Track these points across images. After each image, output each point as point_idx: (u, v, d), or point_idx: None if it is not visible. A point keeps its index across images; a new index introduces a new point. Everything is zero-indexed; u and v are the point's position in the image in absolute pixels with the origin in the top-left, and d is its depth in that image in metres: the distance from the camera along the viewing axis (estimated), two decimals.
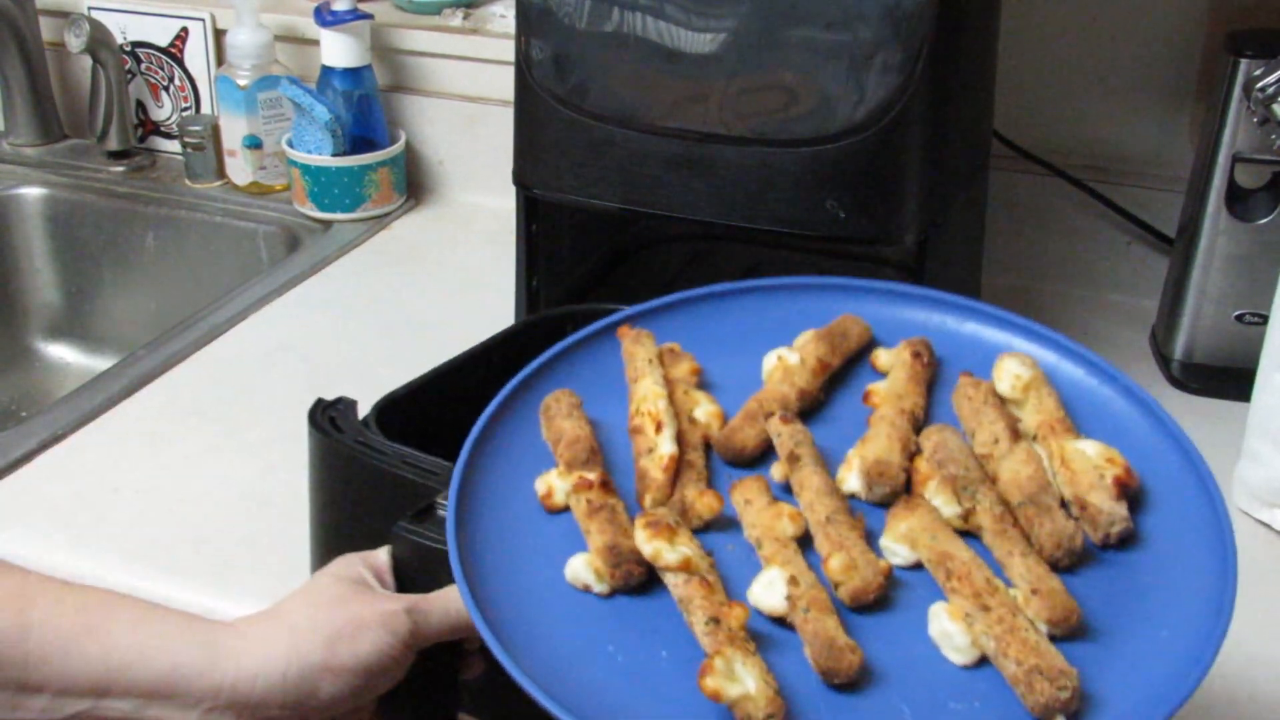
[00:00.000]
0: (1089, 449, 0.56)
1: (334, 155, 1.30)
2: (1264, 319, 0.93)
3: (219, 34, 1.43)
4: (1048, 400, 0.59)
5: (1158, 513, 0.55)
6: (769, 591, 0.52)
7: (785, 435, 0.58)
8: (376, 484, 0.70)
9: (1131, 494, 0.55)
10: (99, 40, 1.38)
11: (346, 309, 1.18)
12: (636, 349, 0.62)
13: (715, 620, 0.50)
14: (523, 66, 0.90)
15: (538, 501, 0.58)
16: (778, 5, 0.82)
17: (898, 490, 0.56)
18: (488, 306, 1.14)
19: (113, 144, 1.45)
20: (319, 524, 0.76)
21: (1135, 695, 0.48)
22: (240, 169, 1.39)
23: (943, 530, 0.53)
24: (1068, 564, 0.53)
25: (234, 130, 1.37)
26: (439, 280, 1.24)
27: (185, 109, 1.48)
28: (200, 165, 1.42)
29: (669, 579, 0.53)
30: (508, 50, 0.96)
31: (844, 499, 0.56)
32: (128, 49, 1.47)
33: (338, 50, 1.30)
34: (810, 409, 0.61)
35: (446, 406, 0.81)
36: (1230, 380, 1.03)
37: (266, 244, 1.36)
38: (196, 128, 1.40)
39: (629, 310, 0.65)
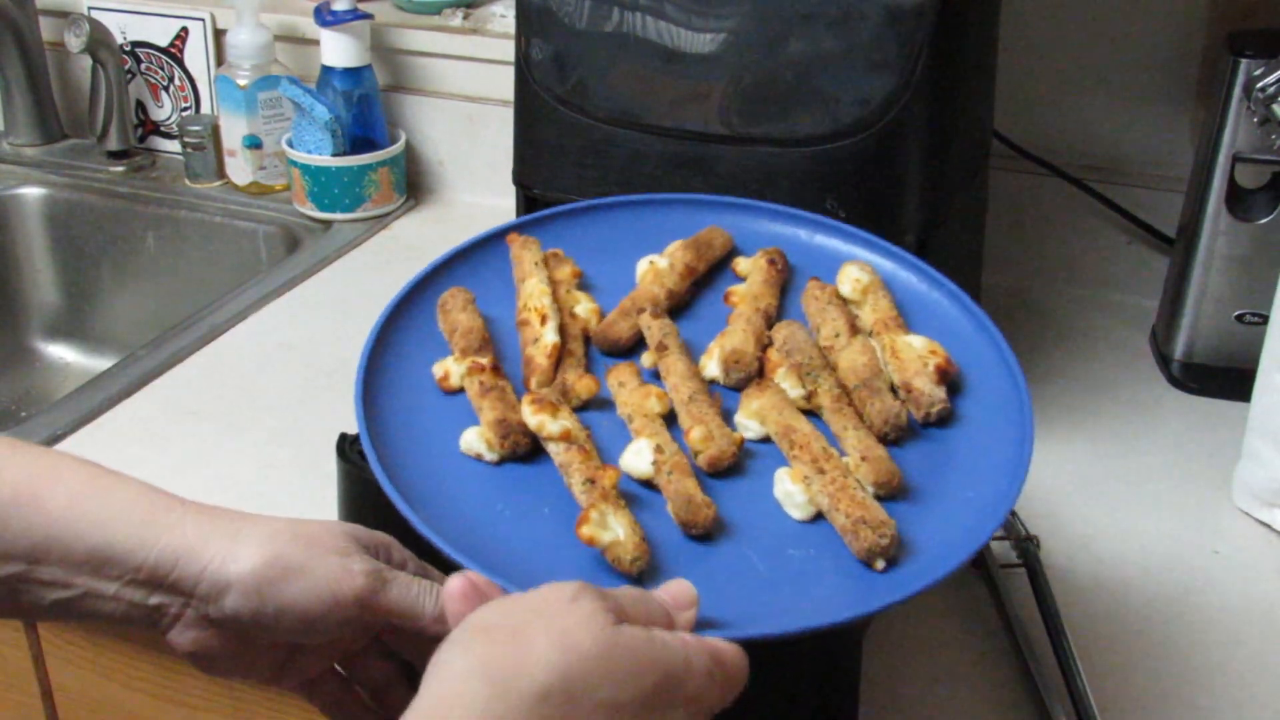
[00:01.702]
0: (916, 342, 0.65)
1: (334, 155, 1.30)
2: (1264, 319, 0.93)
3: (219, 34, 1.43)
4: (883, 301, 0.68)
5: (972, 396, 0.65)
6: (638, 458, 0.61)
7: (655, 328, 0.66)
8: None
9: (951, 380, 0.65)
10: (99, 40, 1.38)
11: (346, 309, 1.18)
12: (524, 253, 0.70)
13: (591, 481, 0.58)
14: (523, 66, 0.90)
15: (435, 385, 0.65)
16: (778, 5, 0.82)
17: (751, 376, 0.66)
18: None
19: (113, 144, 1.45)
20: None
21: (942, 542, 0.57)
22: (240, 169, 1.39)
23: (788, 408, 0.62)
24: (894, 438, 0.63)
25: (234, 130, 1.37)
26: None
27: (185, 109, 1.48)
28: (200, 165, 1.42)
29: (551, 448, 0.61)
30: (508, 50, 0.96)
31: (705, 383, 0.65)
32: (128, 49, 1.47)
33: (338, 50, 1.30)
34: (678, 308, 0.71)
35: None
36: (1230, 380, 1.03)
37: (266, 244, 1.36)
38: (196, 128, 1.40)
39: (517, 220, 0.73)
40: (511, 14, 1.13)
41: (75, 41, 1.37)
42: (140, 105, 1.50)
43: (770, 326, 0.68)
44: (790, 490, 0.59)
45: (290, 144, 1.33)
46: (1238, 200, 1.01)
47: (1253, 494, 0.90)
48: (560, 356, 0.65)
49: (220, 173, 1.42)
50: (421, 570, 0.63)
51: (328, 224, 1.33)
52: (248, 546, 0.59)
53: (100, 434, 0.99)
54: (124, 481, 0.61)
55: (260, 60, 1.35)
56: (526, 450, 0.61)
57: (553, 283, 0.69)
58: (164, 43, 1.46)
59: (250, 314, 1.17)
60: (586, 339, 0.68)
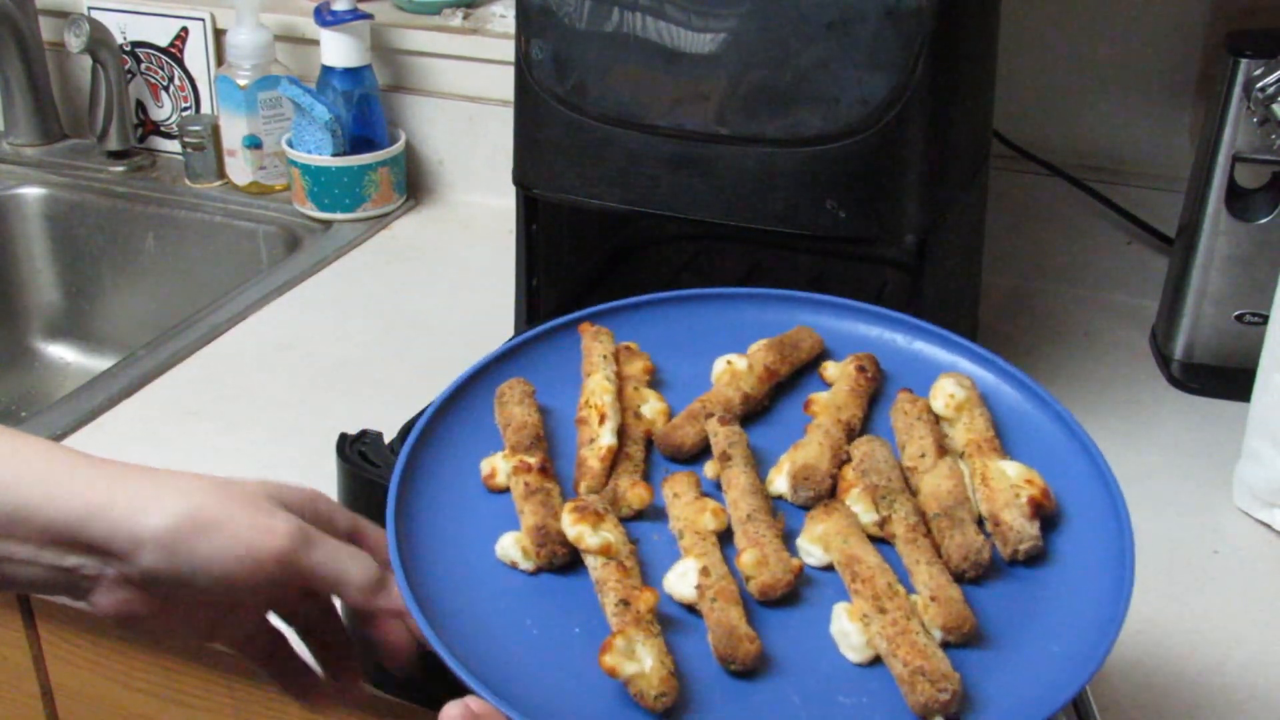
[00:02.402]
0: (1010, 469, 0.58)
1: (334, 155, 1.30)
2: (1264, 319, 0.93)
3: (219, 34, 1.43)
4: (979, 420, 0.61)
5: (1069, 533, 0.57)
6: (682, 580, 0.55)
7: (721, 435, 0.60)
8: None
9: (1046, 514, 0.57)
10: (99, 40, 1.38)
11: (346, 309, 1.18)
12: (594, 344, 0.65)
13: (625, 602, 0.53)
14: (523, 66, 0.90)
15: (481, 482, 0.60)
16: (778, 5, 0.82)
17: (822, 495, 0.59)
18: (488, 306, 1.14)
19: (113, 144, 1.45)
20: None
21: (1014, 701, 0.50)
22: (240, 169, 1.39)
23: (856, 535, 0.56)
24: (973, 576, 0.55)
25: (234, 130, 1.37)
26: (439, 280, 1.24)
27: (185, 109, 1.48)
28: (200, 165, 1.42)
29: (589, 561, 0.55)
30: (508, 50, 0.96)
31: (768, 499, 0.58)
32: (128, 49, 1.47)
33: (338, 50, 1.30)
34: (754, 414, 0.64)
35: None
36: (1230, 380, 1.03)
37: (266, 244, 1.36)
38: (196, 128, 1.40)
39: (591, 310, 0.68)
40: (511, 14, 1.13)
41: (75, 41, 1.37)
42: (140, 105, 1.50)
43: (851, 441, 0.61)
44: (847, 629, 0.53)
45: (290, 144, 1.33)
46: (1238, 200, 1.01)
47: (1253, 494, 0.90)
48: (616, 460, 0.60)
49: (220, 173, 1.42)
50: (354, 529, 0.61)
51: (328, 224, 1.33)
52: (161, 501, 0.57)
53: (100, 434, 0.99)
54: (32, 442, 0.60)
55: (260, 60, 1.35)
56: (565, 561, 0.56)
57: (622, 379, 0.64)
58: (164, 43, 1.46)
59: (250, 314, 1.17)
60: (649, 444, 0.63)
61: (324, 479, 0.79)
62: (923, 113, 0.83)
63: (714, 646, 0.53)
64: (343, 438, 0.73)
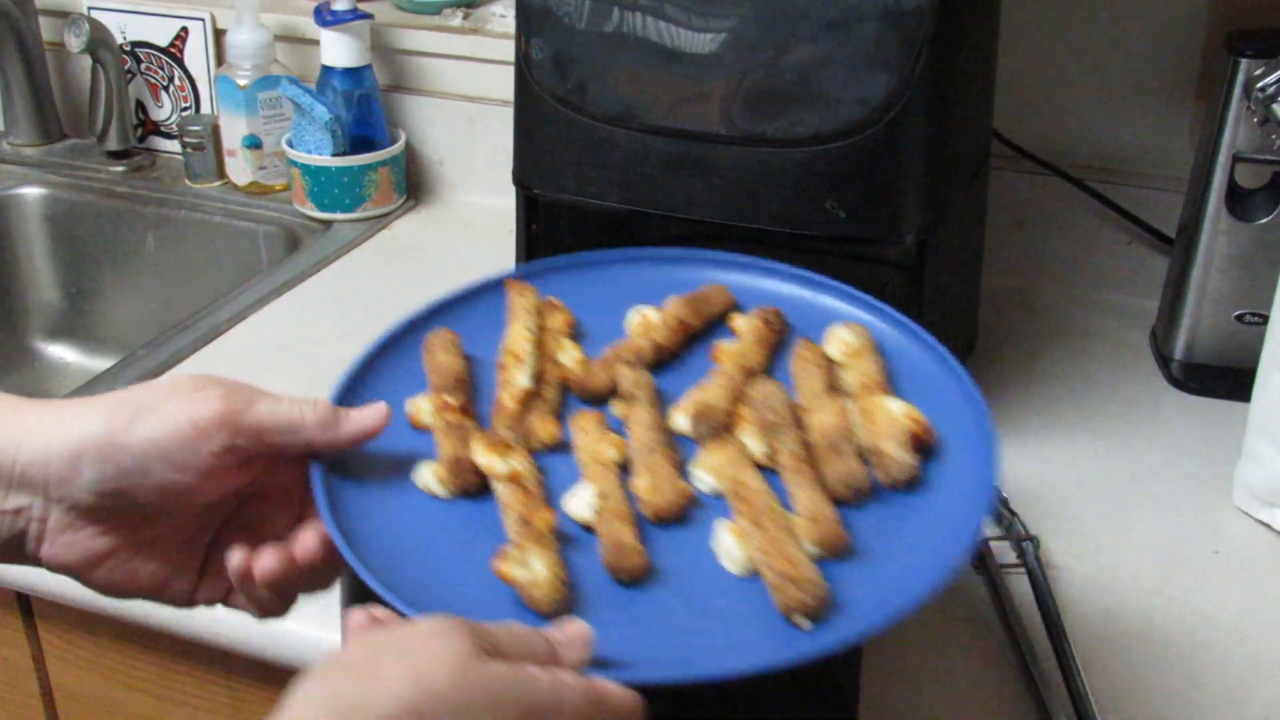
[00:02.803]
0: (894, 406, 0.62)
1: (334, 155, 1.30)
2: (1264, 319, 0.93)
3: (219, 34, 1.43)
4: (870, 364, 0.65)
5: (945, 463, 0.62)
6: (580, 502, 0.60)
7: (628, 378, 0.65)
8: None
9: (925, 447, 0.62)
10: (99, 40, 1.38)
11: (346, 309, 1.18)
12: (518, 298, 0.70)
13: (525, 521, 0.57)
14: (523, 66, 0.90)
15: (406, 421, 0.64)
16: (778, 5, 0.82)
17: (718, 431, 0.63)
18: None
19: (113, 144, 1.45)
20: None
21: (871, 605, 0.55)
22: (240, 169, 1.39)
23: (745, 464, 0.60)
24: (852, 500, 0.60)
25: (234, 130, 1.37)
26: (439, 280, 1.23)
27: (185, 109, 1.48)
28: (200, 165, 1.42)
29: (497, 488, 0.60)
30: (508, 50, 0.96)
31: (669, 434, 0.63)
32: (128, 49, 1.47)
33: (338, 50, 1.30)
34: (666, 363, 0.69)
35: None
36: (1230, 380, 1.03)
37: (266, 244, 1.36)
38: (196, 128, 1.40)
39: (517, 269, 0.73)
40: (511, 14, 1.13)
41: (75, 41, 1.37)
42: (140, 105, 1.50)
43: (747, 385, 0.65)
44: (727, 544, 0.58)
45: (290, 144, 1.33)
46: (1238, 200, 1.01)
47: (1253, 494, 0.90)
48: (530, 401, 0.64)
49: (220, 173, 1.42)
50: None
51: (328, 224, 1.33)
52: (89, 408, 0.56)
53: None
54: None
55: (260, 60, 1.35)
56: (477, 489, 0.60)
57: (542, 330, 0.68)
58: (164, 43, 1.46)
59: (250, 314, 1.17)
60: (565, 389, 0.67)
61: None
62: (923, 113, 0.83)
63: (604, 557, 0.57)
64: None
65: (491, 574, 0.55)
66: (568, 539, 0.58)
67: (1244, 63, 0.97)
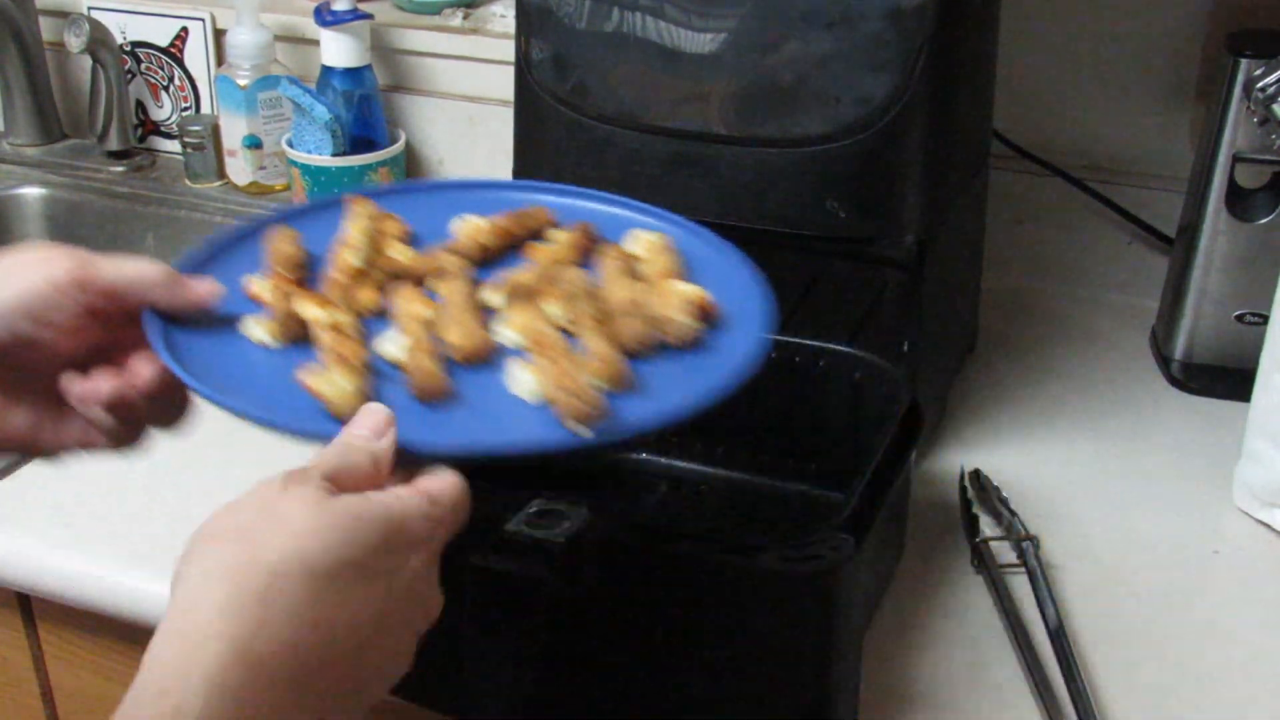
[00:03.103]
0: (684, 286, 0.70)
1: (334, 155, 1.30)
2: (1264, 319, 0.93)
3: (219, 34, 1.43)
4: (667, 259, 0.72)
5: (728, 333, 0.69)
6: (391, 343, 0.65)
7: (446, 260, 0.71)
8: None
9: (710, 317, 0.69)
10: (99, 40, 1.38)
11: None
12: (358, 209, 0.75)
13: (337, 352, 0.63)
14: (523, 66, 0.90)
15: (246, 298, 0.70)
16: (778, 5, 0.82)
17: (524, 299, 0.69)
18: None
19: (113, 144, 1.45)
20: None
21: (641, 419, 0.61)
22: (240, 169, 1.39)
23: (546, 323, 0.67)
24: (639, 353, 0.66)
25: (234, 130, 1.37)
26: None
27: (185, 109, 1.48)
28: (200, 165, 1.42)
29: (318, 334, 0.65)
30: (508, 50, 0.96)
31: (479, 304, 0.69)
32: (128, 49, 1.47)
33: (338, 50, 1.30)
34: (488, 263, 0.73)
35: None
36: (1230, 380, 1.03)
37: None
38: (196, 128, 1.40)
39: (360, 190, 0.80)
40: (511, 14, 1.13)
41: (75, 41, 1.37)
42: (140, 105, 1.50)
43: (556, 273, 0.72)
44: (519, 375, 0.64)
45: (290, 144, 1.33)
46: (1238, 200, 1.01)
47: (1253, 494, 0.90)
48: (360, 280, 0.70)
49: (220, 173, 1.42)
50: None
51: None
52: None
53: None
54: None
55: (260, 60, 1.35)
56: (302, 338, 0.66)
57: (378, 234, 0.73)
58: (164, 43, 1.46)
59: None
60: (392, 275, 0.72)
61: None
62: (923, 113, 0.83)
63: (409, 381, 0.63)
64: None
65: (301, 395, 0.62)
66: (378, 373, 0.64)
67: (1244, 63, 0.97)
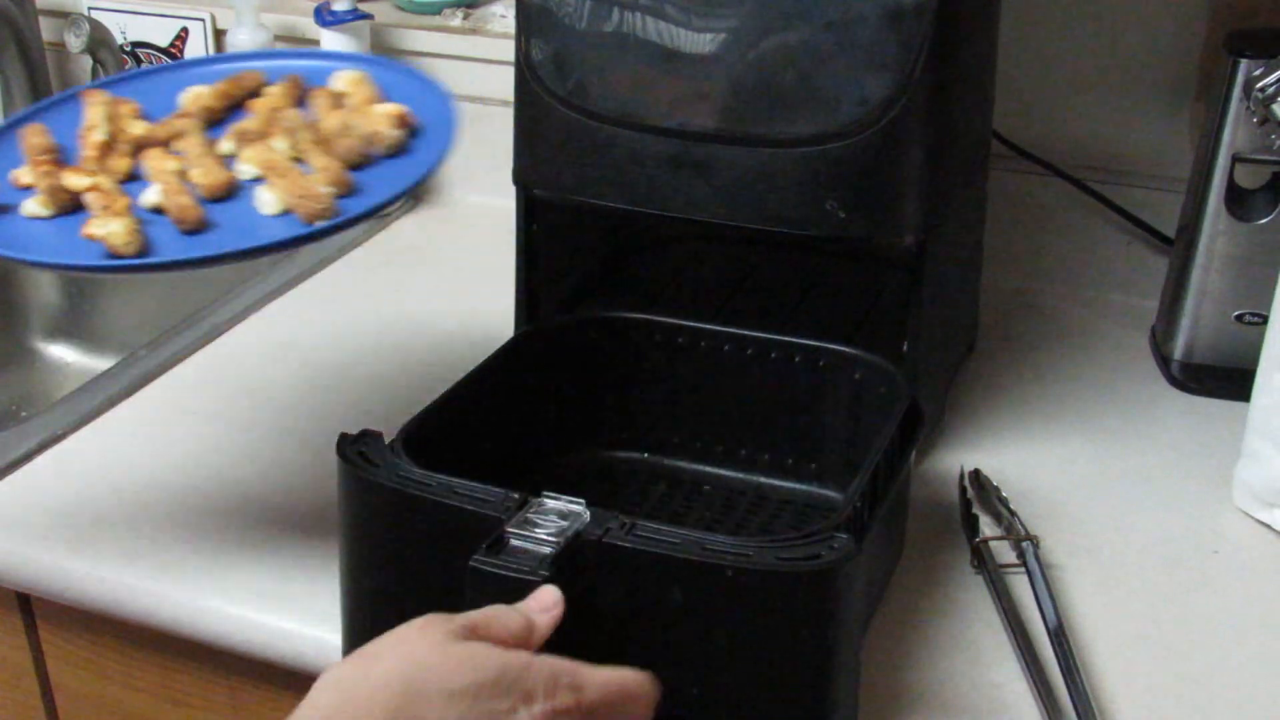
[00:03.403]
0: (387, 107, 0.85)
1: None
2: (1264, 319, 0.93)
3: (219, 34, 1.43)
4: (367, 89, 0.86)
5: (424, 138, 0.85)
6: (150, 193, 0.78)
7: (180, 124, 0.84)
8: (428, 519, 0.69)
9: (409, 127, 0.84)
10: (99, 40, 1.38)
11: (346, 309, 1.18)
12: (93, 98, 0.85)
13: (106, 207, 0.75)
14: (523, 66, 0.90)
15: (12, 187, 0.81)
16: (777, 5, 0.82)
17: (254, 139, 0.82)
18: (488, 306, 1.14)
19: None
20: (357, 563, 0.73)
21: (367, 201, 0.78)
22: None
23: (274, 155, 0.80)
24: (356, 163, 0.81)
25: None
26: (439, 280, 1.24)
27: None
28: None
29: (86, 198, 0.77)
30: (508, 50, 0.96)
31: (213, 149, 0.82)
32: (128, 49, 1.47)
33: (338, 50, 1.30)
34: (217, 120, 0.86)
35: (463, 428, 0.81)
36: (1230, 380, 1.03)
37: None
38: None
39: (91, 83, 0.91)
40: (511, 14, 1.13)
41: (75, 41, 1.37)
42: None
43: (276, 118, 0.84)
44: (262, 195, 0.77)
45: None
46: (1238, 200, 1.01)
47: (1253, 494, 0.90)
48: (110, 150, 0.82)
49: None
50: None
51: None
52: None
53: (100, 434, 0.99)
54: None
55: None
56: (72, 207, 0.78)
57: (115, 115, 0.84)
58: (164, 43, 1.46)
59: (250, 314, 1.17)
60: (137, 145, 0.84)
61: (324, 479, 0.79)
62: (923, 113, 0.83)
63: (170, 214, 0.76)
64: (343, 438, 0.73)
65: (85, 244, 0.73)
66: (144, 220, 0.76)
67: (1243, 63, 0.97)
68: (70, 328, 1.48)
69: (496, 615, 0.59)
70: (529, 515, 0.67)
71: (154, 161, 0.80)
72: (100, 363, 1.41)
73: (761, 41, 0.83)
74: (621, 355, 0.92)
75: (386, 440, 0.74)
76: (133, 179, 0.80)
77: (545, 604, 0.61)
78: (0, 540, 0.88)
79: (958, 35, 0.86)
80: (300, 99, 0.86)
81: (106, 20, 1.43)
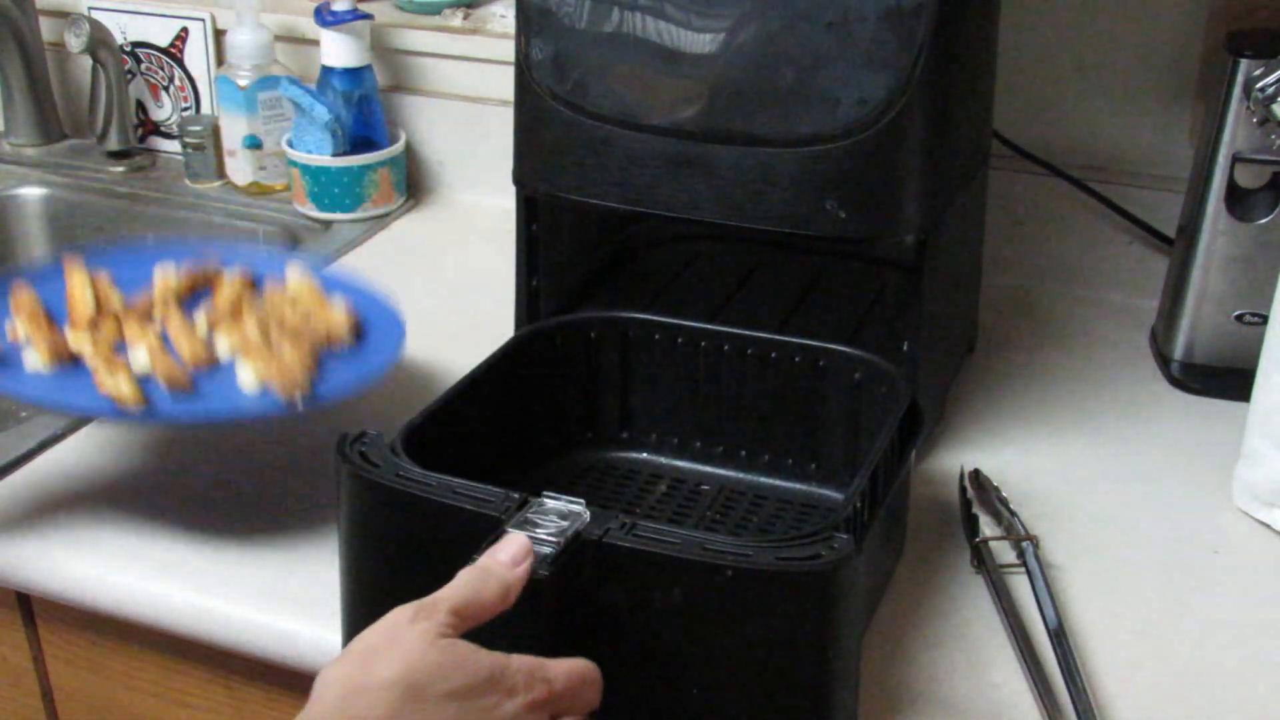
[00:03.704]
0: (337, 308, 0.95)
1: (334, 155, 1.30)
2: (1264, 319, 0.93)
3: (219, 34, 1.43)
4: (313, 288, 0.97)
5: (372, 339, 0.95)
6: (139, 357, 0.88)
7: (158, 299, 0.95)
8: (427, 519, 0.69)
9: (358, 330, 0.95)
10: (99, 40, 1.38)
11: None
12: (73, 267, 0.96)
13: (111, 363, 0.85)
14: (523, 66, 0.90)
15: (6, 339, 0.90)
16: (777, 5, 0.82)
17: (226, 320, 0.93)
18: (488, 306, 1.14)
19: (113, 144, 1.45)
20: (357, 563, 0.73)
21: (338, 392, 0.89)
22: (240, 169, 1.39)
23: (249, 335, 0.90)
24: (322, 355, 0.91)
25: (234, 130, 1.37)
26: (439, 280, 1.24)
27: (185, 109, 1.48)
28: (200, 165, 1.42)
29: (86, 355, 0.87)
30: (508, 50, 0.96)
31: (189, 325, 0.92)
32: (128, 49, 1.47)
33: (338, 50, 1.30)
34: (181, 300, 0.96)
35: (460, 429, 0.82)
36: (1230, 380, 1.03)
37: (266, 244, 1.36)
38: (196, 128, 1.40)
39: (74, 249, 1.05)
40: (511, 14, 1.13)
41: (75, 41, 1.37)
42: (140, 105, 1.50)
43: (241, 305, 0.95)
44: (243, 371, 0.87)
45: (290, 144, 1.33)
46: (1238, 200, 1.01)
47: (1253, 494, 0.90)
48: (97, 319, 0.92)
49: (220, 173, 1.42)
50: None
51: (328, 224, 1.33)
52: None
53: (100, 434, 0.99)
54: None
55: (260, 60, 1.35)
56: (71, 361, 0.88)
57: (95, 284, 0.95)
58: (164, 43, 1.46)
59: None
60: (117, 316, 0.93)
61: (324, 479, 0.79)
62: (923, 113, 0.83)
63: (160, 377, 0.86)
64: (343, 437, 0.73)
65: (98, 393, 0.84)
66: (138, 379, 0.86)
67: (1243, 63, 0.97)
68: None
69: (476, 592, 0.62)
70: (529, 515, 0.67)
71: (137, 330, 0.90)
72: None
73: (761, 41, 0.83)
74: (621, 355, 0.92)
75: (386, 440, 0.74)
76: (120, 342, 0.91)
77: (516, 557, 0.64)
78: (0, 540, 0.88)
79: (958, 35, 0.86)
80: (252, 286, 0.99)
81: (106, 20, 1.43)
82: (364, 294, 0.99)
